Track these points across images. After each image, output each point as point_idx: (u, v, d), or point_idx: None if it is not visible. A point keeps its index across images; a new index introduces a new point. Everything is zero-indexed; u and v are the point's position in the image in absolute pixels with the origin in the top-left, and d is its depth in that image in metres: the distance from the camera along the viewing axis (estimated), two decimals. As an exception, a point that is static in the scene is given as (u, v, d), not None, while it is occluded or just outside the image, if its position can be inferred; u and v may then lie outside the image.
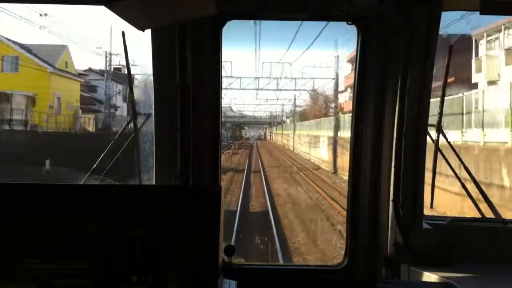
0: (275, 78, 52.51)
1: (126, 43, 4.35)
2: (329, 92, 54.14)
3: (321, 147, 47.26)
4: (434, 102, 4.36)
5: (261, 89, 54.49)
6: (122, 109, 58.01)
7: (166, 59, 4.27)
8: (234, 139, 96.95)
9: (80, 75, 55.26)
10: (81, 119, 49.66)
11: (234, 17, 4.46)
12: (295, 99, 71.51)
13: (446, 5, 4.12)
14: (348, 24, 4.48)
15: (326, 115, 57.53)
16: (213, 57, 4.44)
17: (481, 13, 3.70)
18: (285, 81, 52.94)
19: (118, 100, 58.00)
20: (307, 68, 65.55)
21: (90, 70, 56.20)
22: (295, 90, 54.66)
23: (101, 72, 53.06)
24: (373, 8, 4.28)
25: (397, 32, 4.21)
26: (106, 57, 50.86)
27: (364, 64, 4.49)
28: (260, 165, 45.67)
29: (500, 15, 3.94)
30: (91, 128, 50.12)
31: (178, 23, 4.17)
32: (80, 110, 50.23)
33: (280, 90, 55.06)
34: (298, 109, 75.00)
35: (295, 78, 52.16)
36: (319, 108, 63.70)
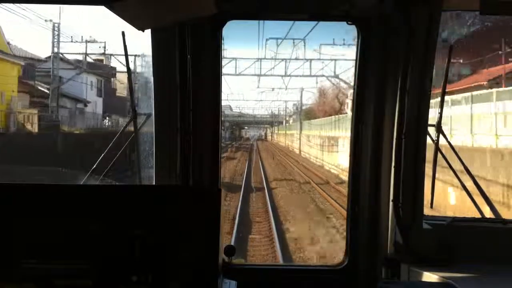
0: (282, 59, 42.23)
1: (126, 43, 4.37)
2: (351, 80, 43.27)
3: (340, 151, 36.98)
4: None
5: (265, 75, 44.38)
6: (96, 104, 50.48)
7: (166, 59, 4.28)
8: (232, 139, 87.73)
9: (38, 60, 44.89)
10: (18, 116, 36.92)
11: (234, 17, 4.47)
12: (301, 92, 61.35)
13: (446, 5, 4.12)
14: (348, 24, 4.49)
15: (340, 112, 48.20)
16: (213, 57, 4.45)
17: (481, 13, 3.70)
18: (295, 64, 42.27)
19: (91, 94, 49.86)
20: (325, 47, 43.35)
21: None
22: (310, 76, 44.53)
23: (72, 61, 44.79)
24: (373, 8, 4.28)
25: (397, 32, 4.21)
26: (54, 29, 41.21)
27: (364, 64, 4.50)
28: (263, 177, 34.29)
29: (500, 15, 3.93)
30: (31, 127, 37.88)
31: (178, 23, 4.17)
32: (20, 104, 37.77)
33: (290, 76, 44.76)
34: (304, 106, 65.94)
35: (310, 60, 42.02)
36: (333, 103, 54.75)
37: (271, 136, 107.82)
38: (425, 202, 4.32)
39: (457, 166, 4.52)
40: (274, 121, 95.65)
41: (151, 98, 4.42)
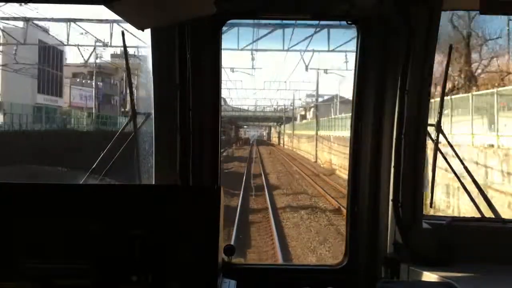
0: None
1: (126, 43, 4.37)
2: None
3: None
4: None
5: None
6: None
7: (166, 59, 4.28)
8: (225, 143, 55.03)
9: None
10: None
11: (234, 16, 4.47)
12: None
13: (446, 5, 4.13)
14: (348, 24, 4.49)
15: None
16: (213, 56, 4.45)
17: (481, 13, 3.71)
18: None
19: None
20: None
21: None
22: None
23: None
24: (373, 8, 4.28)
25: (397, 32, 4.21)
26: None
27: (364, 64, 4.50)
28: None
29: (500, 15, 3.94)
30: None
31: (178, 23, 4.17)
32: None
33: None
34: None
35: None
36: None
37: (278, 138, 73.01)
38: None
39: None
40: (284, 116, 64.69)
41: (151, 97, 4.42)
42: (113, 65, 57.79)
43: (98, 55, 50.78)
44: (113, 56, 58.65)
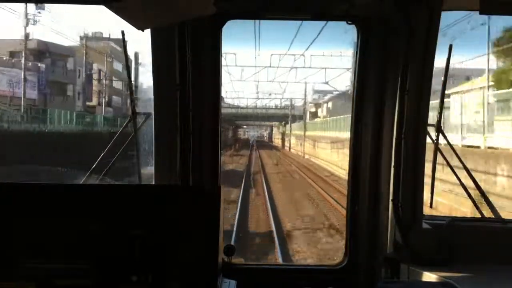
0: None
1: (126, 43, 4.36)
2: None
3: None
4: None
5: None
6: None
7: (166, 59, 4.28)
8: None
9: None
10: None
11: (234, 17, 4.48)
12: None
13: (446, 5, 4.13)
14: (348, 24, 4.49)
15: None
16: (213, 57, 4.46)
17: (480, 13, 3.71)
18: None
19: None
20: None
21: None
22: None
23: None
24: (373, 8, 4.29)
25: (397, 32, 4.21)
26: None
27: (364, 64, 4.50)
28: None
29: (500, 15, 3.94)
30: None
31: (178, 23, 4.18)
32: None
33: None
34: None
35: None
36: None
37: (282, 140, 60.71)
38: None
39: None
40: (290, 114, 52.39)
41: (151, 98, 4.42)
42: (83, 46, 48.77)
43: (33, 22, 40.29)
44: (85, 38, 50.60)
